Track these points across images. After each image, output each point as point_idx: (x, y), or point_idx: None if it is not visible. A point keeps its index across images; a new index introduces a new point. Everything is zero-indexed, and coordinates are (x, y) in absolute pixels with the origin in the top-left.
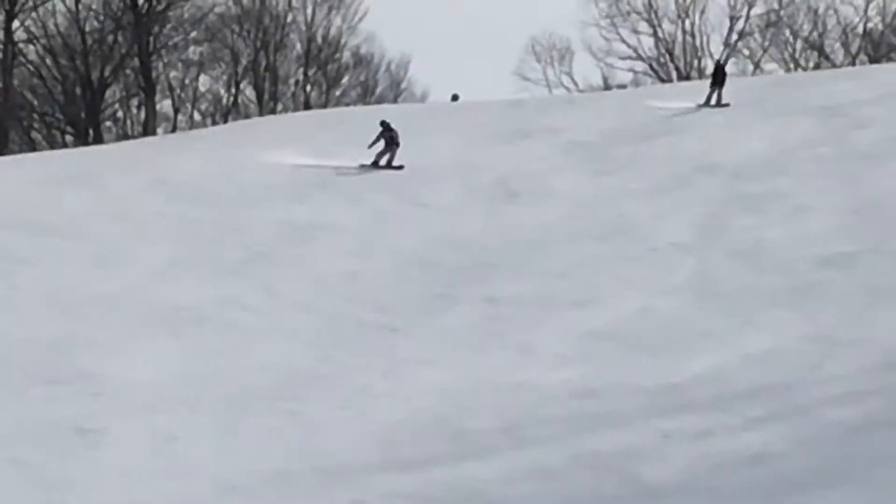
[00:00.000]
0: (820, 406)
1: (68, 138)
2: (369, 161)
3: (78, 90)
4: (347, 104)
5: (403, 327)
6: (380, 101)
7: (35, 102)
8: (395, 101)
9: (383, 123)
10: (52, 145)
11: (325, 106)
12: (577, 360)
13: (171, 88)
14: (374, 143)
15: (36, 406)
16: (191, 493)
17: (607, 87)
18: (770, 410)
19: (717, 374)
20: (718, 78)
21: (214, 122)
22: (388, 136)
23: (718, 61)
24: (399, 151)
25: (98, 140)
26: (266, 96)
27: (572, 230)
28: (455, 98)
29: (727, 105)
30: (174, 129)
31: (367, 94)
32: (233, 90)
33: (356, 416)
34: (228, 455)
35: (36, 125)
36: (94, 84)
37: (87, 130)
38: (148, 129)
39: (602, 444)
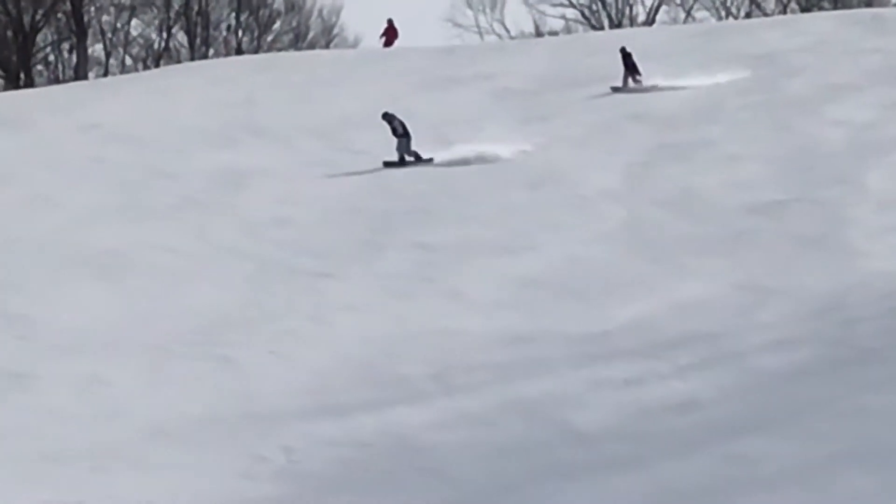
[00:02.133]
0: (749, 354)
1: None
2: (395, 158)
3: (9, 33)
4: (279, 49)
5: (333, 273)
6: (311, 46)
7: None
8: (327, 46)
9: (386, 115)
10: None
11: (256, 51)
12: (506, 307)
13: (102, 32)
14: (399, 136)
15: None
16: (120, 437)
17: (539, 34)
18: (699, 358)
19: (647, 321)
20: (628, 63)
21: (146, 67)
22: (399, 124)
23: (623, 48)
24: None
25: (29, 84)
26: (198, 41)
27: (503, 177)
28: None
29: (640, 82)
30: (106, 74)
31: (299, 40)
32: (164, 35)
33: (286, 362)
34: (157, 399)
35: None
36: (25, 27)
37: (18, 74)
38: (79, 74)
39: (531, 391)
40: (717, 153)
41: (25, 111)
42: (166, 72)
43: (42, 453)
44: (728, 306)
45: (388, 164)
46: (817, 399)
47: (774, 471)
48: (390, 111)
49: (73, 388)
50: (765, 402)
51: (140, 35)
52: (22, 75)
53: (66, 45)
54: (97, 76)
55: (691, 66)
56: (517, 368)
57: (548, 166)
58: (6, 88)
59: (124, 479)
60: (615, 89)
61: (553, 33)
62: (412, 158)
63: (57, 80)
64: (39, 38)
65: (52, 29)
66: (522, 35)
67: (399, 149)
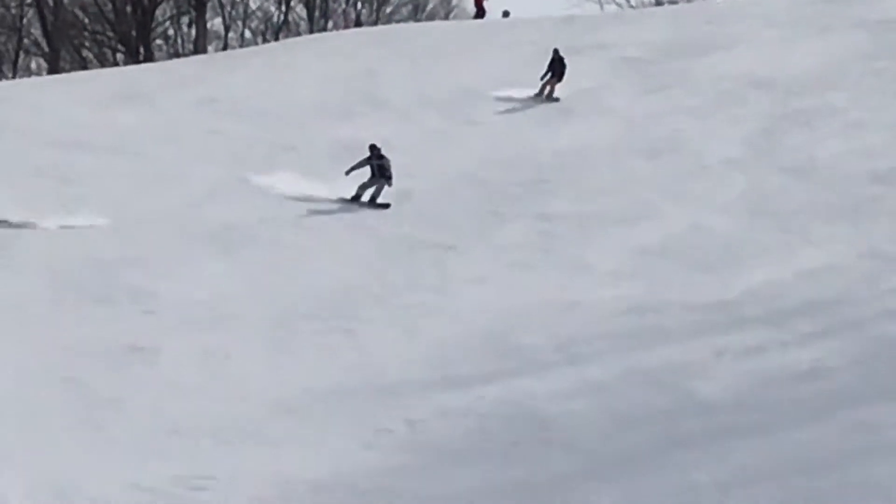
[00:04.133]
0: (874, 322)
1: (119, 56)
2: (349, 195)
3: (129, 8)
4: (398, 21)
5: (456, 245)
6: (430, 17)
7: (86, 20)
8: (446, 17)
9: (373, 148)
10: (103, 63)
11: (375, 23)
12: (628, 276)
13: (221, 6)
14: (353, 168)
15: (91, 325)
16: (244, 411)
17: (659, 2)
18: (824, 326)
19: (771, 290)
20: (556, 69)
21: (265, 40)
22: (377, 165)
23: (556, 50)
24: (387, 189)
25: (149, 58)
26: (317, 13)
27: (623, 147)
28: (506, 14)
29: (557, 100)
30: (225, 48)
31: (417, 11)
32: (283, 8)
33: (409, 335)
34: (281, 374)
35: (87, 43)
36: (144, 2)
37: (137, 49)
38: (198, 48)
39: (654, 360)
40: (842, 120)
41: (146, 86)
42: (285, 45)
43: (166, 427)
44: (853, 274)
45: (349, 200)
46: None
47: None
48: (379, 146)
49: (196, 363)
50: (889, 371)
51: (259, 8)
52: (141, 50)
53: (185, 20)
54: (216, 50)
55: (813, 31)
56: (640, 338)
57: (669, 135)
58: (126, 63)
59: (250, 454)
60: (538, 97)
61: (673, 1)
62: (373, 200)
63: (176, 55)
64: (158, 12)
65: (171, 3)
66: (642, 4)
67: (366, 187)
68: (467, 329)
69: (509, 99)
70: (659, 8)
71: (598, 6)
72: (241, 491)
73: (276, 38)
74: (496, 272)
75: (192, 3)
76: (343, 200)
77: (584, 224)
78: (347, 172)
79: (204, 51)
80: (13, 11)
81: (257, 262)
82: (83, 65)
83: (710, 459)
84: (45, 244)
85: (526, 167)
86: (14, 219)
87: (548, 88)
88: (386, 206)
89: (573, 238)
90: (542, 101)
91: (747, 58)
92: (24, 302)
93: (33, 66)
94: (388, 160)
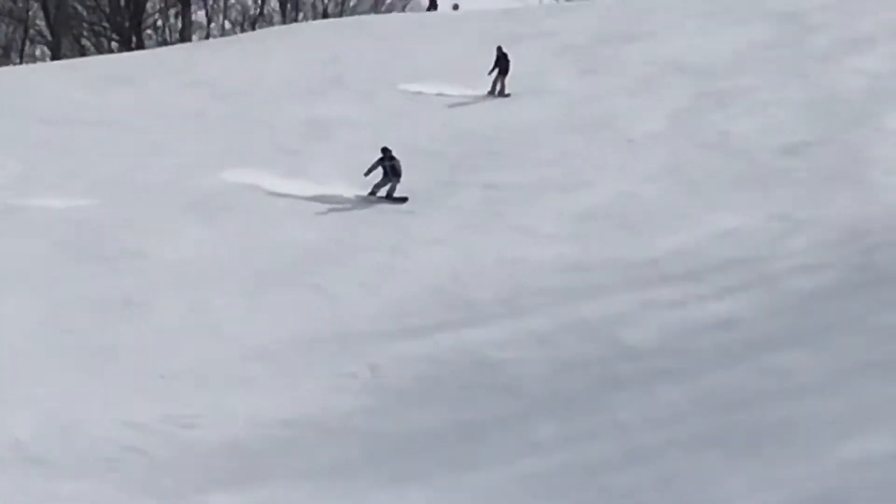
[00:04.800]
0: (782, 277)
1: (114, 45)
2: (366, 191)
3: (122, 1)
4: (361, 13)
5: (414, 210)
6: (389, 10)
7: (84, 13)
8: (403, 10)
9: (384, 151)
10: (100, 51)
11: (340, 15)
12: (566, 238)
13: (204, 0)
14: (370, 170)
15: (89, 282)
16: (225, 357)
17: None
18: (737, 282)
19: (690, 250)
20: (501, 65)
21: (243, 30)
22: (389, 166)
23: (500, 48)
24: (400, 184)
25: (140, 46)
26: (289, 6)
27: (562, 124)
28: (456, 7)
29: (508, 95)
30: (207, 36)
31: (378, 4)
32: (259, 1)
33: (371, 290)
34: (257, 324)
35: (85, 33)
36: None
37: (130, 38)
38: (184, 37)
39: (589, 312)
40: (751, 99)
41: (137, 70)
42: (261, 34)
43: (155, 372)
44: (762, 235)
45: (366, 196)
46: (843, 317)
47: (806, 381)
48: (390, 148)
49: (181, 315)
50: (796, 321)
51: (237, 2)
52: (133, 38)
53: (172, 12)
54: (200, 38)
55: (726, 22)
56: (576, 293)
57: (601, 113)
58: (120, 50)
59: (229, 395)
60: (490, 94)
61: None
62: (389, 196)
63: (164, 43)
64: (149, 5)
65: None
66: None
67: (381, 185)
68: (423, 285)
69: (460, 81)
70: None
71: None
72: (220, 428)
73: (253, 28)
74: (450, 234)
75: None
76: (359, 197)
77: (527, 192)
78: (366, 174)
79: (189, 39)
80: (20, 4)
81: (236, 227)
82: (82, 52)
83: (637, 399)
84: (47, 211)
85: (476, 142)
86: (18, 188)
87: (498, 85)
88: (404, 199)
89: (518, 204)
90: (495, 98)
91: (670, 45)
92: (29, 263)
93: (38, 53)
94: (398, 161)
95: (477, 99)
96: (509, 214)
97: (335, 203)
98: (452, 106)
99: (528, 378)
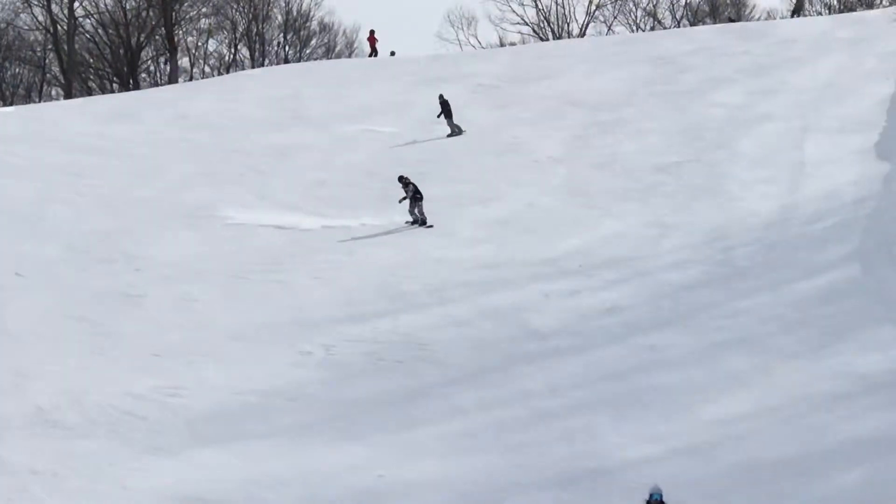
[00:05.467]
0: (658, 271)
1: (115, 86)
2: (408, 219)
3: (121, 51)
4: (315, 59)
5: (359, 218)
6: (338, 56)
7: (90, 60)
8: (350, 56)
9: (402, 180)
10: (104, 91)
11: (299, 60)
12: (483, 240)
13: (188, 49)
14: (403, 199)
15: (96, 278)
16: (207, 339)
17: (502, 44)
18: (621, 275)
19: (583, 249)
20: (446, 110)
21: (219, 73)
22: (412, 190)
23: (441, 96)
24: (424, 204)
25: (136, 87)
26: (256, 54)
27: (478, 148)
28: (393, 53)
29: (464, 132)
30: (191, 79)
31: (329, 52)
32: (232, 50)
33: (325, 284)
34: (233, 312)
35: (91, 77)
36: (133, 47)
37: (128, 80)
38: (172, 79)
39: (501, 301)
40: (632, 128)
41: (134, 107)
42: (234, 77)
43: (150, 351)
44: (641, 238)
45: (410, 223)
46: (706, 304)
47: (676, 356)
48: (405, 175)
49: (172, 305)
50: (668, 306)
51: (215, 50)
52: (131, 81)
53: (162, 59)
54: (185, 81)
55: (612, 65)
56: (491, 285)
57: (510, 139)
58: (120, 90)
59: (211, 370)
60: (452, 135)
61: (512, 44)
62: (422, 220)
63: (156, 84)
64: (143, 54)
65: (152, 47)
66: (490, 46)
67: (411, 211)
68: (366, 279)
69: (395, 115)
70: (503, 48)
71: (458, 47)
72: (203, 397)
73: (228, 72)
74: (387, 238)
75: (167, 47)
76: (407, 223)
77: (451, 203)
78: (400, 201)
79: (176, 81)
80: (38, 53)
81: (214, 234)
82: (89, 92)
83: (541, 372)
84: (62, 220)
85: (409, 162)
86: (39, 204)
87: (454, 127)
88: (430, 226)
89: (443, 212)
90: (455, 136)
91: (565, 84)
92: (44, 264)
93: (53, 93)
94: (415, 185)
95: (409, 128)
96: (436, 221)
97: (295, 212)
98: (391, 134)
99: (450, 355)
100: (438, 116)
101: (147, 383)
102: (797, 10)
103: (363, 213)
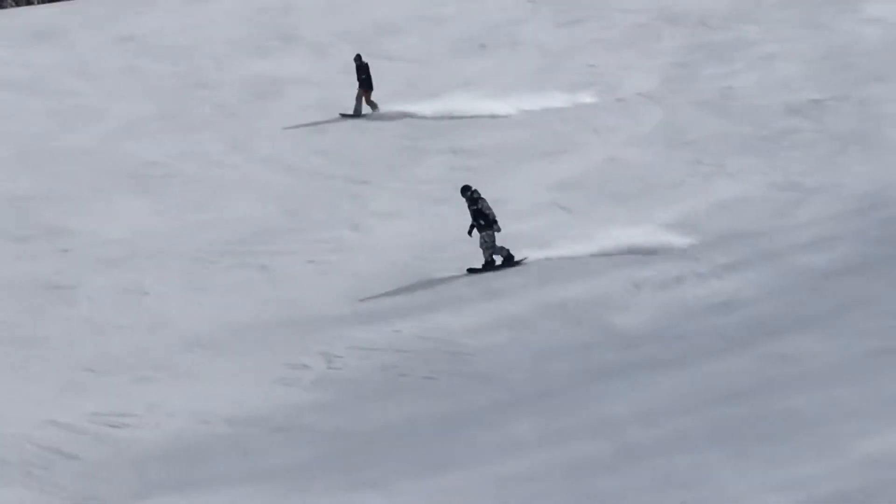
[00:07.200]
0: (789, 253)
1: None
2: (487, 261)
3: None
4: None
5: (371, 180)
6: None
7: None
8: None
9: (464, 191)
10: (17, 2)
11: None
12: (545, 210)
13: None
14: (470, 230)
15: (7, 264)
16: (161, 347)
17: None
18: (740, 258)
19: (686, 223)
20: (363, 77)
21: None
22: (474, 212)
23: (358, 57)
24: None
25: None
26: None
27: (539, 81)
28: None
29: (363, 116)
30: None
31: None
32: None
33: (324, 270)
34: (197, 309)
35: None
36: None
37: None
38: None
39: (572, 294)
40: (754, 53)
41: (61, 24)
42: None
43: (85, 364)
44: (767, 206)
45: (472, 271)
46: (858, 297)
47: (816, 368)
48: (471, 186)
49: (113, 300)
50: (805, 301)
51: None
52: None
53: None
54: None
55: None
56: (556, 271)
57: (584, 68)
58: (41, 1)
59: (166, 389)
60: (345, 116)
61: None
62: (500, 259)
63: None
64: None
65: None
66: None
67: (490, 250)
68: (384, 264)
69: (421, 35)
70: None
71: None
72: (157, 427)
73: None
74: (411, 207)
75: None
76: (470, 270)
77: (502, 156)
78: (469, 233)
79: None
80: None
81: (174, 199)
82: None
83: (629, 391)
84: None
85: (442, 101)
86: None
87: (364, 103)
88: (521, 262)
89: (489, 173)
90: (352, 118)
91: None
92: None
93: None
94: (483, 201)
95: (440, 52)
96: (480, 184)
97: (285, 173)
98: (417, 64)
99: (503, 368)
100: (361, 89)
101: (78, 408)
102: None
103: (377, 170)
